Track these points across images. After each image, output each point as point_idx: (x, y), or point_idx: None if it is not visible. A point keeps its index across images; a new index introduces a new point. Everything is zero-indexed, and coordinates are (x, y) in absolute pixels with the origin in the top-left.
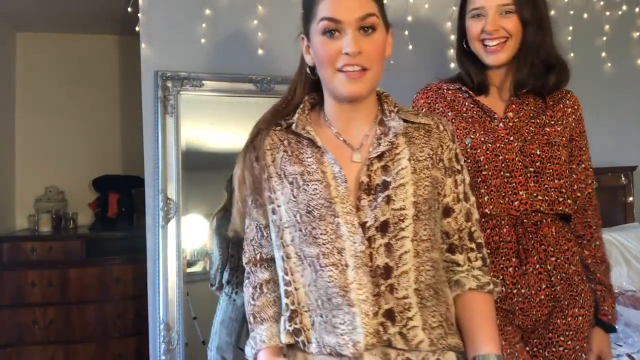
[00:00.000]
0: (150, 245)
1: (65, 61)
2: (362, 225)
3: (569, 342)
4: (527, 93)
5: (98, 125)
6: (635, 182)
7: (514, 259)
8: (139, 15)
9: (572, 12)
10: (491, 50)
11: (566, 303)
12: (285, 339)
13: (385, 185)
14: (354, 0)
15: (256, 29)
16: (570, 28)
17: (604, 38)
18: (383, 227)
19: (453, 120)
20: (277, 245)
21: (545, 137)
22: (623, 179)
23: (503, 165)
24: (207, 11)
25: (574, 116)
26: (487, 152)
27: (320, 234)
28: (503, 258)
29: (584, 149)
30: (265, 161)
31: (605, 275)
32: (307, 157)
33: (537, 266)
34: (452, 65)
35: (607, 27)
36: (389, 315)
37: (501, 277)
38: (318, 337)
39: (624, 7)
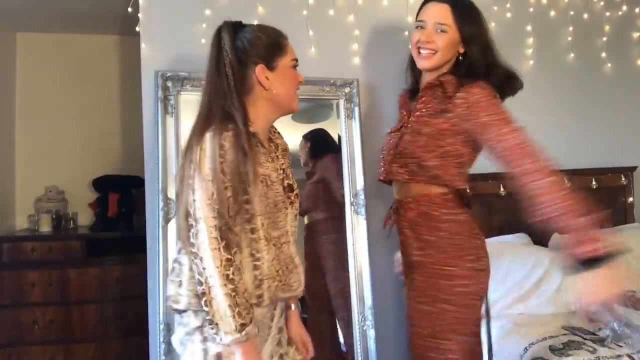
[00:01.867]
0: (150, 245)
1: (65, 61)
2: None
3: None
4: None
5: (98, 125)
6: (635, 183)
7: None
8: (139, 15)
9: (572, 13)
10: (422, 57)
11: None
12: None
13: (291, 187)
14: None
15: None
16: (571, 28)
17: (604, 38)
18: (295, 216)
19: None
20: (247, 229)
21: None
22: (623, 179)
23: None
24: (207, 11)
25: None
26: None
27: (279, 221)
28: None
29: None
30: (248, 160)
31: (567, 217)
32: (262, 162)
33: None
34: None
35: (607, 27)
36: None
37: None
38: (272, 296)
39: (624, 8)
